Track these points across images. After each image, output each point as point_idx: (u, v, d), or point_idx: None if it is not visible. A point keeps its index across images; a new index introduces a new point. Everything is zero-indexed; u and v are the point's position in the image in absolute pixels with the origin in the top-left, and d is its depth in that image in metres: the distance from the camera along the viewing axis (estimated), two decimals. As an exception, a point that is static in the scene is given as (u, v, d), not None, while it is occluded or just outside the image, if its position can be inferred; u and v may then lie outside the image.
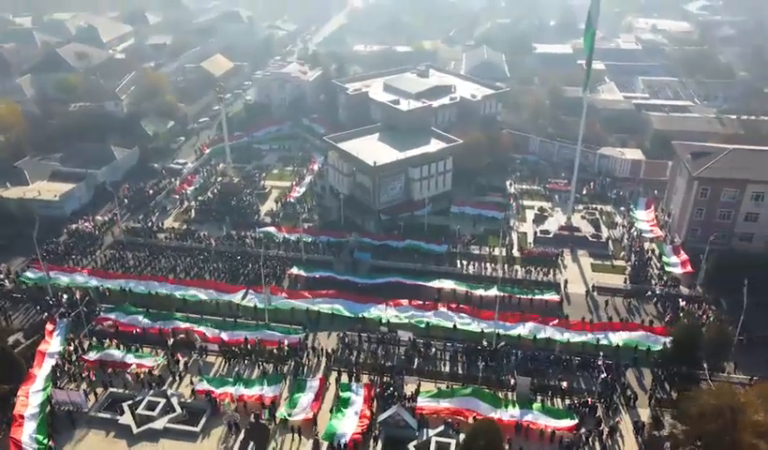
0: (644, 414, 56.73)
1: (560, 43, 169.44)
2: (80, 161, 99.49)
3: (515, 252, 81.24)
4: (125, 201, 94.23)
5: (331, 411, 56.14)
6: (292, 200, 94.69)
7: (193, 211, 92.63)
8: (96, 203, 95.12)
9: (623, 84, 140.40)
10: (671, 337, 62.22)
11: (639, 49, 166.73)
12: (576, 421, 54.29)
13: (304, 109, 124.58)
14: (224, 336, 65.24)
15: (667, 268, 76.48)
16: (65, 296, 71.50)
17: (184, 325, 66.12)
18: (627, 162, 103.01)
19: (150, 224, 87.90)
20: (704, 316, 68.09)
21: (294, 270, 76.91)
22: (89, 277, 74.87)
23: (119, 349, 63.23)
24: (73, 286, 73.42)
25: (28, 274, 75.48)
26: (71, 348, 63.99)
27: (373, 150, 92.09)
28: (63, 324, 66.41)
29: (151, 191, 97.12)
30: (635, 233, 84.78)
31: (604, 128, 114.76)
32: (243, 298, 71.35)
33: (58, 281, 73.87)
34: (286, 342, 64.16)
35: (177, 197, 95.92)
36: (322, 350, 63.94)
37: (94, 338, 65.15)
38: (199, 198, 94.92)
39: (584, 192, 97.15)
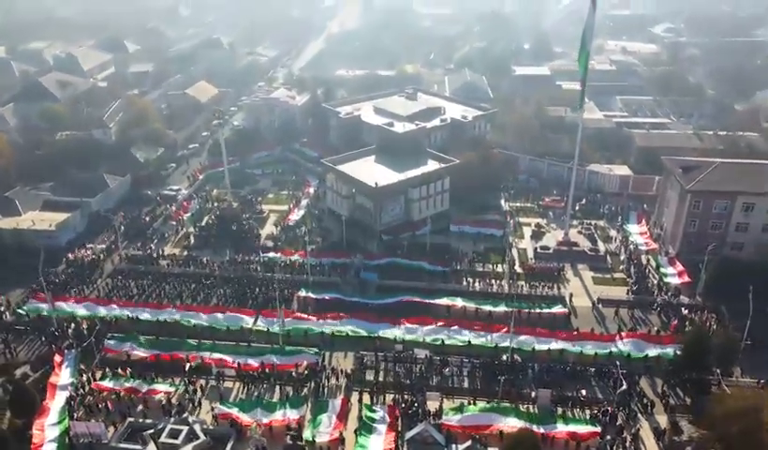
0: (661, 421, 58.23)
1: (536, 65, 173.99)
2: (71, 190, 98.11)
3: (518, 268, 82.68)
4: (122, 228, 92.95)
5: (356, 431, 56.18)
6: (291, 223, 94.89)
7: (192, 237, 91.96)
8: (91, 232, 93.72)
9: (601, 104, 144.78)
10: (680, 345, 64.40)
11: (613, 69, 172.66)
12: (599, 429, 55.49)
13: (294, 133, 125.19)
14: (240, 361, 64.87)
15: (665, 279, 78.98)
16: (71, 327, 70.16)
17: (198, 354, 65.41)
18: (616, 178, 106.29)
19: (150, 251, 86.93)
20: (708, 323, 70.37)
21: (302, 293, 76.92)
22: (94, 306, 73.65)
23: (133, 378, 62.24)
24: (78, 316, 72.08)
25: (30, 305, 73.82)
26: (84, 378, 62.69)
27: (371, 172, 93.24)
28: (71, 356, 65.04)
29: (147, 218, 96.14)
30: (632, 247, 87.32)
31: (589, 146, 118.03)
32: (255, 322, 71.13)
33: (62, 312, 72.43)
34: (304, 363, 64.14)
35: (174, 224, 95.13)
36: (341, 370, 64.01)
37: (107, 368, 63.93)
38: (199, 224, 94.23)
39: (577, 208, 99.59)
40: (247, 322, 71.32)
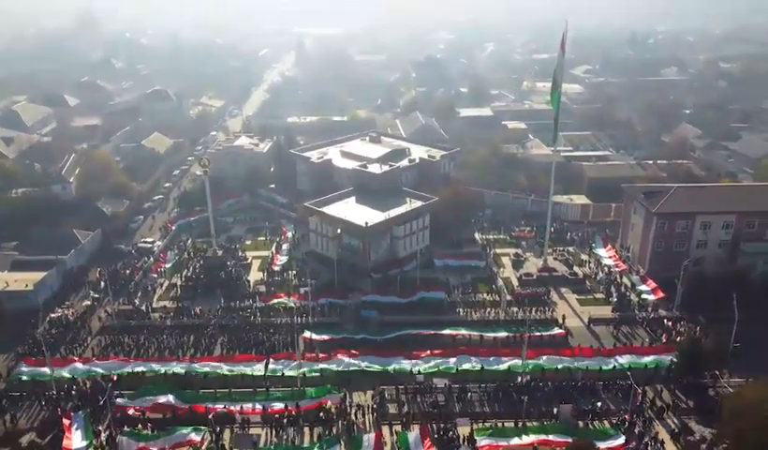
0: (672, 424, 62.72)
1: (477, 107, 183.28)
2: (40, 248, 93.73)
3: (507, 296, 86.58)
4: (102, 284, 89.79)
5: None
6: (277, 268, 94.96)
7: (179, 288, 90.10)
8: (67, 290, 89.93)
9: (546, 140, 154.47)
10: (675, 353, 69.89)
11: (550, 108, 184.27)
12: (624, 438, 59.10)
13: (260, 180, 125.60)
14: (260, 407, 64.21)
15: (642, 296, 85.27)
16: (73, 388, 67.02)
17: (217, 406, 64.12)
18: (577, 207, 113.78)
19: (138, 304, 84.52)
20: (695, 331, 76.56)
21: (307, 334, 77.22)
22: (94, 364, 70.65)
23: (155, 432, 60.25)
24: (79, 376, 68.95)
25: (25, 369, 69.84)
26: (102, 438, 60.02)
27: (355, 212, 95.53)
28: (80, 417, 61.88)
29: (127, 272, 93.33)
30: (605, 269, 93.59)
31: (546, 179, 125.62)
32: (267, 368, 70.59)
33: (61, 374, 69.01)
34: (329, 402, 64.35)
35: (155, 276, 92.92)
36: (367, 406, 64.69)
37: (124, 426, 61.44)
38: (185, 274, 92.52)
39: (551, 235, 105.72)
40: (259, 367, 70.63)
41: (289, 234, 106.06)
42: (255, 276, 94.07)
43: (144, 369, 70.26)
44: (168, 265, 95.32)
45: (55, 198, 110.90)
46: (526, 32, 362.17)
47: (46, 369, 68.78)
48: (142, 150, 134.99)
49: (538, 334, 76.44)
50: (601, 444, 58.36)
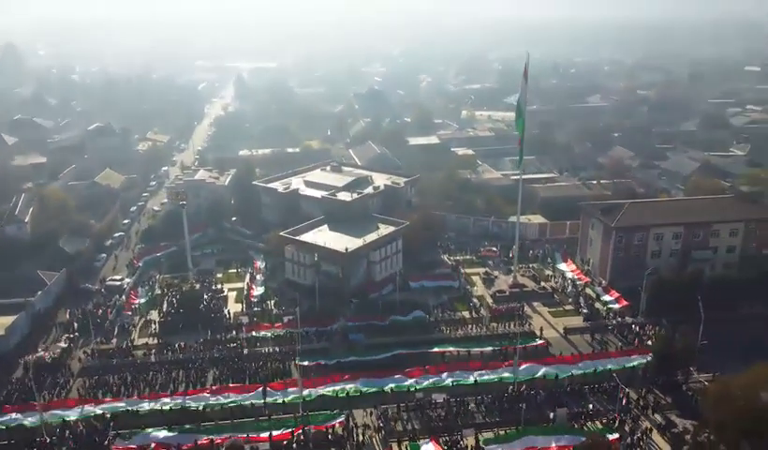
0: (656, 419, 67.72)
1: (424, 136, 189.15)
2: (2, 291, 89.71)
3: (488, 313, 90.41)
4: (75, 325, 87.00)
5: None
6: (255, 299, 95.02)
7: (156, 324, 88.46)
8: (37, 333, 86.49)
9: (494, 165, 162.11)
10: (648, 355, 75.56)
11: (492, 135, 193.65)
12: (618, 434, 63.38)
13: (222, 213, 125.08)
14: (265, 434, 64.37)
15: (608, 305, 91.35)
16: (65, 432, 64.72)
17: (223, 436, 63.75)
18: (535, 226, 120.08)
19: (118, 343, 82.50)
20: (661, 334, 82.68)
21: (298, 361, 77.76)
22: (84, 405, 68.51)
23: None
24: (72, 419, 66.64)
25: (8, 417, 66.75)
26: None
27: (331, 240, 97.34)
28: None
29: (100, 311, 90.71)
30: (570, 282, 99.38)
31: (501, 201, 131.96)
32: (264, 397, 70.70)
33: (51, 418, 66.48)
34: (336, 424, 65.33)
35: (129, 313, 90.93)
36: (373, 425, 66.08)
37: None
38: (161, 310, 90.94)
39: (511, 255, 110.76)
40: (257, 396, 70.68)
41: (260, 265, 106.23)
42: (233, 308, 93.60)
43: (139, 408, 68.82)
44: (141, 301, 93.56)
45: (11, 239, 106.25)
46: (455, 64, 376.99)
47: (33, 415, 66.28)
48: (97, 187, 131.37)
49: (521, 346, 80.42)
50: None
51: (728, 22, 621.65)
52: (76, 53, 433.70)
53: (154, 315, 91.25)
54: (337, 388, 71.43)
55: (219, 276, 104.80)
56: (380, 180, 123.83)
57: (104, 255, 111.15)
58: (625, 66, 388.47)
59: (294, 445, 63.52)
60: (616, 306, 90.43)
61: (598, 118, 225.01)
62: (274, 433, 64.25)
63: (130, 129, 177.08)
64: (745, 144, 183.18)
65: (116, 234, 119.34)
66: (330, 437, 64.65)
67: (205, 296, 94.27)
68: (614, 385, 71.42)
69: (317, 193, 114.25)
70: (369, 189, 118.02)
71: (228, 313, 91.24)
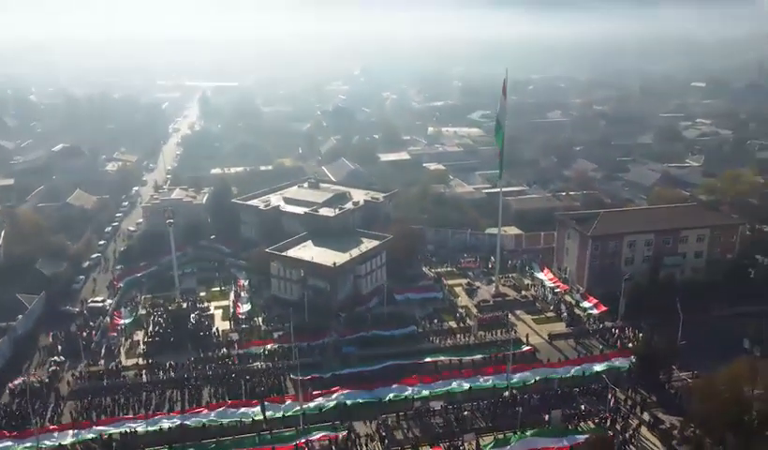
0: (644, 417, 70.84)
1: (393, 152, 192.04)
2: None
3: (476, 322, 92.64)
4: (59, 348, 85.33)
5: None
6: (243, 316, 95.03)
7: (144, 344, 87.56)
8: (19, 357, 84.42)
9: (465, 179, 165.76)
10: (632, 356, 79.01)
11: (461, 150, 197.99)
12: (611, 433, 66.12)
13: (200, 231, 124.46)
14: (268, 448, 64.75)
15: (587, 311, 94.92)
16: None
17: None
18: (512, 237, 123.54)
19: (105, 364, 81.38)
20: (641, 336, 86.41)
21: (293, 375, 78.34)
22: (80, 429, 67.45)
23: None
24: (70, 443, 65.53)
25: (7, 444, 65.20)
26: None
27: (317, 255, 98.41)
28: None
29: (84, 333, 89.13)
30: (549, 290, 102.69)
31: (476, 214, 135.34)
32: (264, 412, 70.92)
33: (47, 443, 65.24)
34: (339, 436, 66.10)
35: (115, 334, 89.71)
36: (376, 435, 67.13)
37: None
38: (149, 330, 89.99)
39: (490, 266, 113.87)
40: (256, 412, 70.87)
41: (244, 283, 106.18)
42: (220, 325, 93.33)
43: (136, 428, 68.14)
44: (126, 322, 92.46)
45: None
46: (417, 82, 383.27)
47: (29, 441, 64.98)
48: (69, 208, 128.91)
49: (510, 352, 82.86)
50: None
51: (672, 40, 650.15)
52: (28, 75, 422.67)
53: (139, 335, 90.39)
54: (336, 401, 72.23)
55: (203, 294, 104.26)
56: (358, 196, 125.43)
57: (82, 277, 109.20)
58: (579, 82, 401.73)
59: (298, 457, 64.05)
60: (595, 311, 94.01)
61: (560, 133, 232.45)
62: (277, 447, 64.63)
63: (98, 150, 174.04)
64: (700, 156, 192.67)
65: (93, 256, 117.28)
66: (333, 448, 65.34)
67: (192, 315, 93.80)
68: (603, 387, 74.65)
69: (299, 209, 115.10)
70: (349, 205, 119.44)
71: (217, 331, 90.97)
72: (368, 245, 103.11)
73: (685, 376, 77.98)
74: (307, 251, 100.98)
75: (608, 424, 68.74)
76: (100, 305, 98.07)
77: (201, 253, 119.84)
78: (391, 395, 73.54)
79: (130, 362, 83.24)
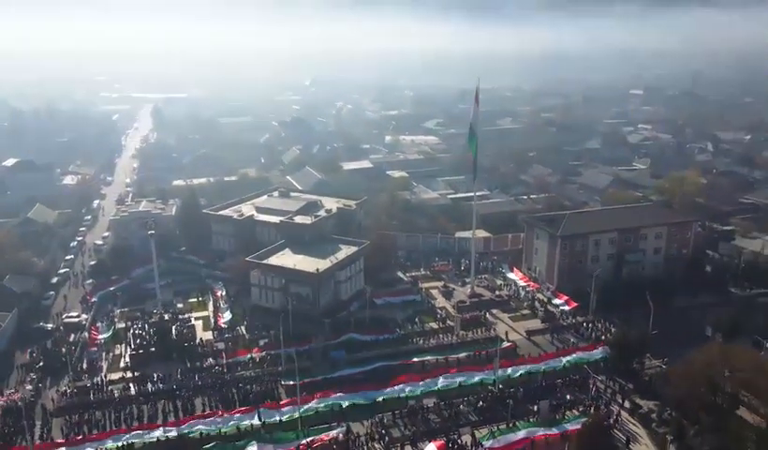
0: (623, 403, 75.27)
1: (355, 161, 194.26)
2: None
3: (458, 322, 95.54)
4: (40, 364, 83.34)
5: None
6: (225, 325, 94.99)
7: (127, 357, 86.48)
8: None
9: (428, 185, 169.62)
10: (607, 347, 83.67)
11: (422, 158, 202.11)
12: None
13: (171, 243, 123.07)
14: (271, 448, 65.70)
15: (559, 308, 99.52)
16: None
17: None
18: (480, 240, 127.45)
19: (88, 378, 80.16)
20: (612, 328, 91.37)
21: (284, 381, 79.33)
22: (75, 445, 66.37)
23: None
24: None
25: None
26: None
27: (297, 262, 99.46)
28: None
29: (63, 349, 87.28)
30: (523, 289, 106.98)
31: (443, 219, 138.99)
32: (261, 418, 71.58)
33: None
34: (340, 436, 67.55)
35: (95, 349, 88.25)
36: (375, 433, 68.90)
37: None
38: (134, 343, 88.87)
39: (462, 268, 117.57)
40: (252, 417, 71.47)
41: (222, 293, 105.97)
42: (203, 336, 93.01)
43: (134, 441, 67.63)
44: (106, 336, 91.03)
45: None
46: (368, 92, 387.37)
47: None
48: (31, 224, 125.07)
49: (493, 349, 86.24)
50: (576, 426, 68.79)
51: (610, 50, 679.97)
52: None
53: (120, 349, 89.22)
54: (331, 402, 73.61)
55: (180, 306, 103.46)
56: (329, 203, 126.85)
57: (52, 293, 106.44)
58: (524, 91, 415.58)
59: (303, 458, 65.15)
60: (566, 307, 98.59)
61: (512, 140, 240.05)
62: (279, 448, 65.58)
63: (52, 164, 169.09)
64: (646, 159, 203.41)
65: (61, 271, 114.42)
66: (335, 447, 66.73)
67: (173, 326, 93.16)
68: (584, 377, 78.91)
69: (274, 218, 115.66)
70: (322, 212, 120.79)
71: (201, 341, 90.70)
72: (346, 251, 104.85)
73: (657, 363, 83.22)
74: (287, 259, 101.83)
75: (592, 411, 72.68)
76: (76, 320, 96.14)
77: (174, 265, 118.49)
78: (385, 395, 75.49)
79: (116, 376, 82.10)
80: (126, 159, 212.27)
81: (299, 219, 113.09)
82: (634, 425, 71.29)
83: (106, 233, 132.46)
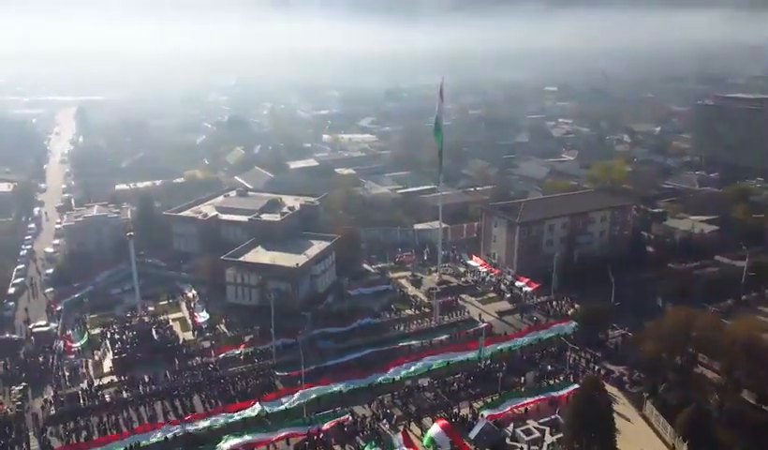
0: (597, 369, 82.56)
1: (300, 160, 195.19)
2: None
3: (437, 307, 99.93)
4: (24, 375, 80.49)
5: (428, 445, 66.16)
6: (205, 325, 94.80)
7: (110, 361, 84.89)
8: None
9: (377, 181, 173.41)
10: (574, 321, 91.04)
11: (365, 155, 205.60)
12: (576, 385, 76.59)
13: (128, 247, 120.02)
14: (284, 433, 67.68)
15: (523, 289, 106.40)
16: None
17: (239, 442, 65.55)
18: (438, 230, 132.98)
19: (77, 385, 78.44)
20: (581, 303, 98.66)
21: (278, 372, 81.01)
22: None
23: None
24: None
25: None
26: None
27: (273, 258, 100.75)
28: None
29: (41, 358, 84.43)
30: (486, 274, 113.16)
31: (398, 212, 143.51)
32: (262, 410, 72.99)
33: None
34: (349, 418, 70.37)
35: (73, 357, 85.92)
36: (379, 414, 72.21)
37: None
38: (114, 347, 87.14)
39: (425, 258, 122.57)
40: (255, 409, 72.74)
41: (192, 294, 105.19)
42: (183, 336, 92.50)
43: (141, 441, 67.36)
44: (81, 343, 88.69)
45: None
46: (293, 93, 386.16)
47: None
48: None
49: (471, 330, 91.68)
50: (563, 392, 75.25)
51: (517, 50, 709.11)
52: None
53: (98, 355, 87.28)
54: (334, 389, 76.12)
55: (152, 309, 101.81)
56: (289, 201, 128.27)
57: (12, 303, 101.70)
58: (445, 90, 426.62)
59: (316, 438, 67.43)
60: (528, 289, 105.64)
61: (446, 136, 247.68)
62: (290, 433, 67.72)
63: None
64: (573, 150, 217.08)
65: (17, 281, 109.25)
66: (345, 429, 69.46)
67: (152, 328, 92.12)
68: (559, 349, 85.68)
69: (240, 218, 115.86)
70: (285, 210, 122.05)
71: (185, 341, 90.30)
72: (319, 246, 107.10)
73: (618, 333, 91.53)
74: (261, 256, 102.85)
75: (572, 379, 79.39)
76: (46, 329, 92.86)
77: (138, 269, 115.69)
78: (381, 378, 78.91)
79: (105, 380, 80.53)
80: (56, 165, 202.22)
81: (266, 217, 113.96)
82: (609, 387, 78.42)
83: (56, 241, 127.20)
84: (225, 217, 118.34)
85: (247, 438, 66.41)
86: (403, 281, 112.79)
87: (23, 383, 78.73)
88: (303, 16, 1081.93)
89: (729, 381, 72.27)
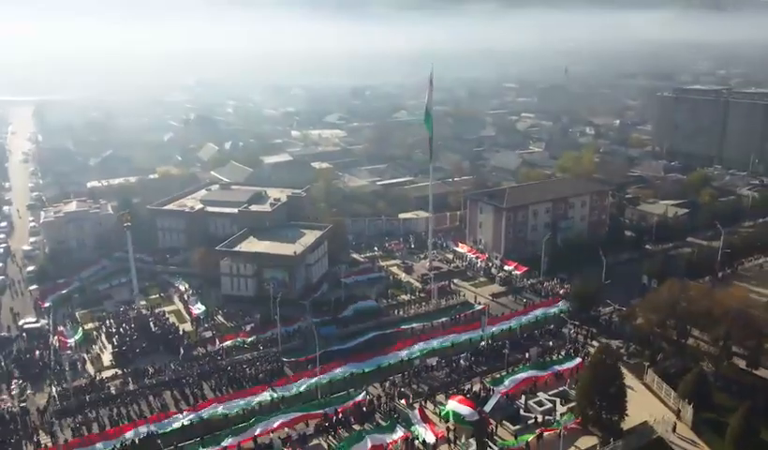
0: (594, 343, 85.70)
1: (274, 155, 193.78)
2: None
3: (434, 293, 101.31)
4: (18, 371, 78.14)
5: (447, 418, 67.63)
6: (202, 316, 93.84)
7: (109, 354, 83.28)
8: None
9: (354, 174, 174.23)
10: (567, 300, 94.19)
11: (339, 149, 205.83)
12: (580, 359, 79.45)
13: (112, 243, 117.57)
14: (299, 415, 67.92)
15: (512, 273, 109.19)
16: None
17: (258, 428, 65.49)
18: (423, 220, 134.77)
19: (71, 380, 76.52)
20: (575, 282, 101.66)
21: (286, 358, 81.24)
22: (89, 443, 64.08)
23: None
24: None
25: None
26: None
27: (269, 248, 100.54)
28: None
29: (37, 354, 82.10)
30: (475, 259, 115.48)
31: (381, 203, 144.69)
32: (277, 394, 73.00)
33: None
34: (367, 398, 71.21)
35: (70, 352, 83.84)
36: (394, 393, 73.32)
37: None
38: (114, 340, 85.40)
39: (413, 246, 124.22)
40: (267, 394, 72.76)
41: (183, 287, 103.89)
42: (182, 328, 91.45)
43: (158, 430, 66.53)
44: (76, 338, 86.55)
45: None
46: (257, 92, 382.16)
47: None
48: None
49: (470, 312, 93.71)
50: (566, 366, 77.95)
51: (473, 49, 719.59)
52: None
53: (96, 349, 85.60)
54: (347, 371, 76.73)
55: (144, 303, 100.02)
56: (274, 194, 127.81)
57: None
58: (407, 88, 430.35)
59: (335, 419, 68.03)
60: (517, 272, 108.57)
61: (415, 131, 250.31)
62: (307, 415, 68.01)
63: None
64: (540, 143, 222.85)
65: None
66: (364, 409, 70.21)
67: (150, 320, 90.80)
68: (557, 326, 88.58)
69: (229, 210, 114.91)
70: (272, 201, 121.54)
71: (184, 331, 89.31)
72: (311, 235, 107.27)
73: (609, 309, 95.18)
74: (256, 246, 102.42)
75: (572, 352, 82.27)
76: (37, 325, 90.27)
77: (120, 265, 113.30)
78: (390, 359, 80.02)
79: (108, 373, 79.00)
80: (17, 164, 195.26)
81: (256, 208, 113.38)
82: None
83: (32, 239, 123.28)
84: (212, 209, 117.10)
85: (281, 419, 66.28)
86: (394, 269, 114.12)
87: (20, 380, 76.44)
88: (258, 15, 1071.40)
89: (723, 347, 76.16)
